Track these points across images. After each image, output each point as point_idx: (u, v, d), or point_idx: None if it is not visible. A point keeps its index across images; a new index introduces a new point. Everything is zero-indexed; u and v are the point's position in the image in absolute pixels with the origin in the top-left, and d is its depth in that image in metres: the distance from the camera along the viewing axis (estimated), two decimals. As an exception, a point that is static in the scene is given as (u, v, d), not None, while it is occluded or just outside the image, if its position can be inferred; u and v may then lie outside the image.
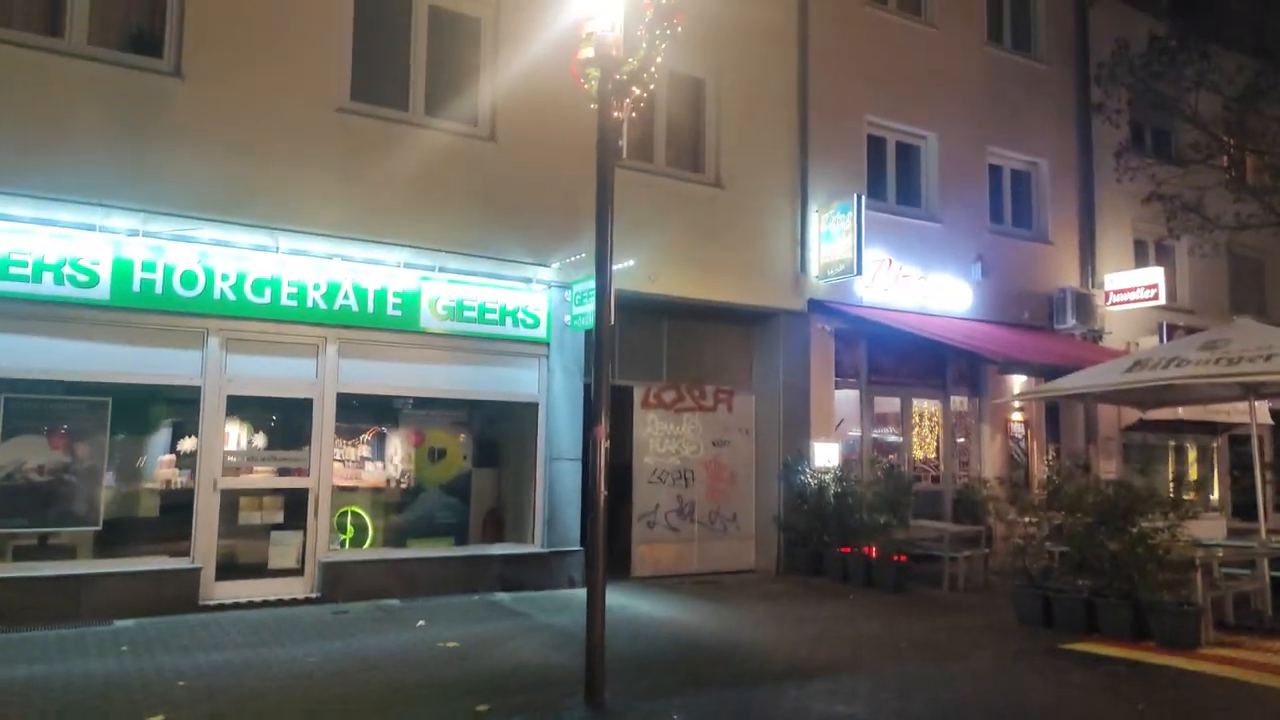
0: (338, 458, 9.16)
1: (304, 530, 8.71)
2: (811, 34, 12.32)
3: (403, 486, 9.88)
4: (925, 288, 12.97)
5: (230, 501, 8.47)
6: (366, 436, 9.71)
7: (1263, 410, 16.44)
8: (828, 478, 11.19)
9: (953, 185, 13.69)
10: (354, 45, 9.33)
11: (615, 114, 5.80)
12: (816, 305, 12.01)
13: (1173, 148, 15.83)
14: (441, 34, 9.85)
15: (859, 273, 11.59)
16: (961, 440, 13.71)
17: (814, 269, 12.03)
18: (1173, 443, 17.23)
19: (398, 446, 9.87)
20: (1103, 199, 15.25)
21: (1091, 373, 9.47)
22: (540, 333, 9.97)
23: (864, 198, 11.71)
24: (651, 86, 5.96)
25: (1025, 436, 14.10)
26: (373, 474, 9.70)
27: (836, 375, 12.38)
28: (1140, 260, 15.68)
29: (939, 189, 13.57)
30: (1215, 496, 16.56)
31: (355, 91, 9.29)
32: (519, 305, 9.87)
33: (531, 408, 10.00)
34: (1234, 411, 15.82)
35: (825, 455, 11.64)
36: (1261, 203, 11.96)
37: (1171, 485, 10.24)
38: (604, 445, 5.53)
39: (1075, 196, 15.11)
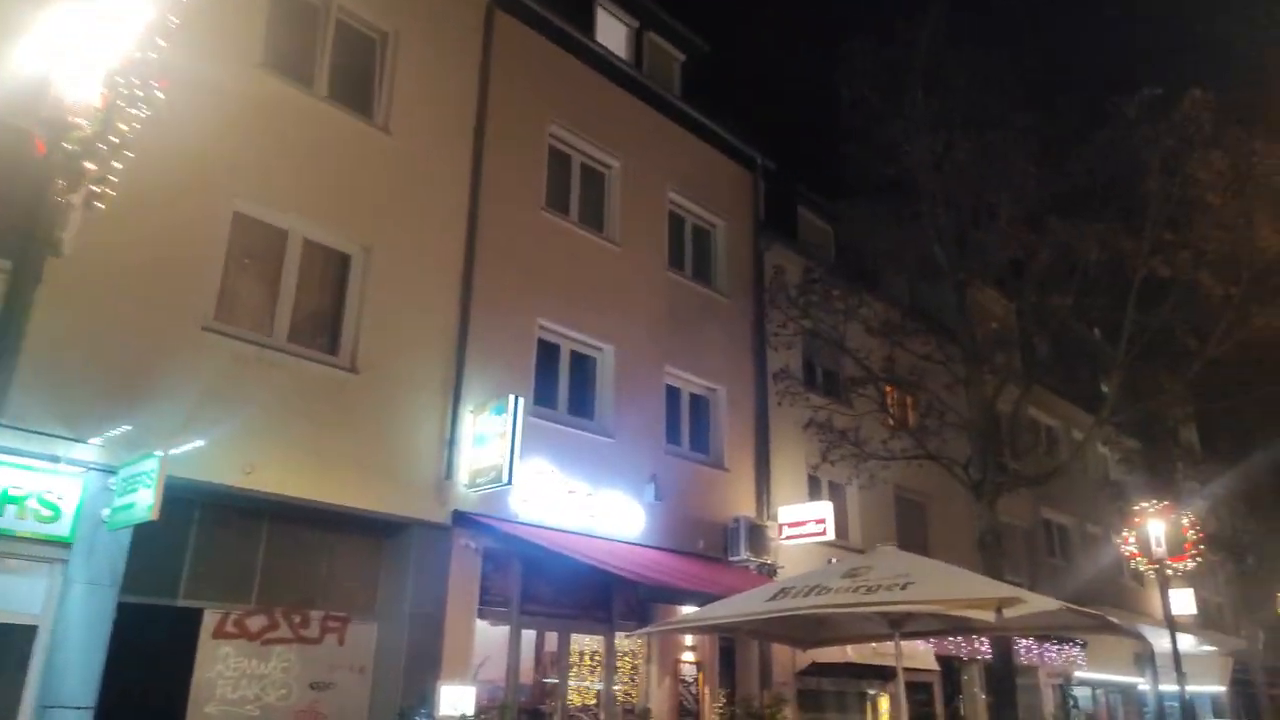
0: None
1: None
2: (482, 226, 11.59)
3: None
4: (594, 506, 11.81)
5: None
6: None
7: (928, 654, 16.51)
8: (451, 731, 9.09)
9: (629, 401, 13.06)
10: None
11: (64, 197, 4.17)
12: (463, 518, 10.40)
13: (840, 381, 16.51)
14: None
15: (509, 481, 10.22)
16: (627, 684, 12.14)
17: (463, 476, 10.54)
18: (868, 690, 16.72)
19: None
20: (779, 431, 15.30)
21: (733, 601, 8.43)
22: (61, 529, 7.48)
23: (522, 400, 10.58)
24: (118, 164, 4.43)
25: (696, 680, 12.79)
26: None
27: (483, 603, 10.63)
28: (814, 495, 15.68)
29: (614, 403, 12.86)
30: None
31: None
32: (35, 491, 7.40)
33: (26, 632, 7.28)
34: (901, 654, 15.61)
35: (456, 701, 9.57)
36: (914, 438, 12.26)
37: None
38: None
39: (752, 426, 15.05)
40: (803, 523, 14.16)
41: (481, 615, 10.58)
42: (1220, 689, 30.27)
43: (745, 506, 14.28)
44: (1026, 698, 20.67)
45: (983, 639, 18.29)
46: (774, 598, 7.85)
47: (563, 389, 12.51)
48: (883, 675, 16.74)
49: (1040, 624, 8.83)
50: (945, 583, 7.19)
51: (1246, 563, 20.55)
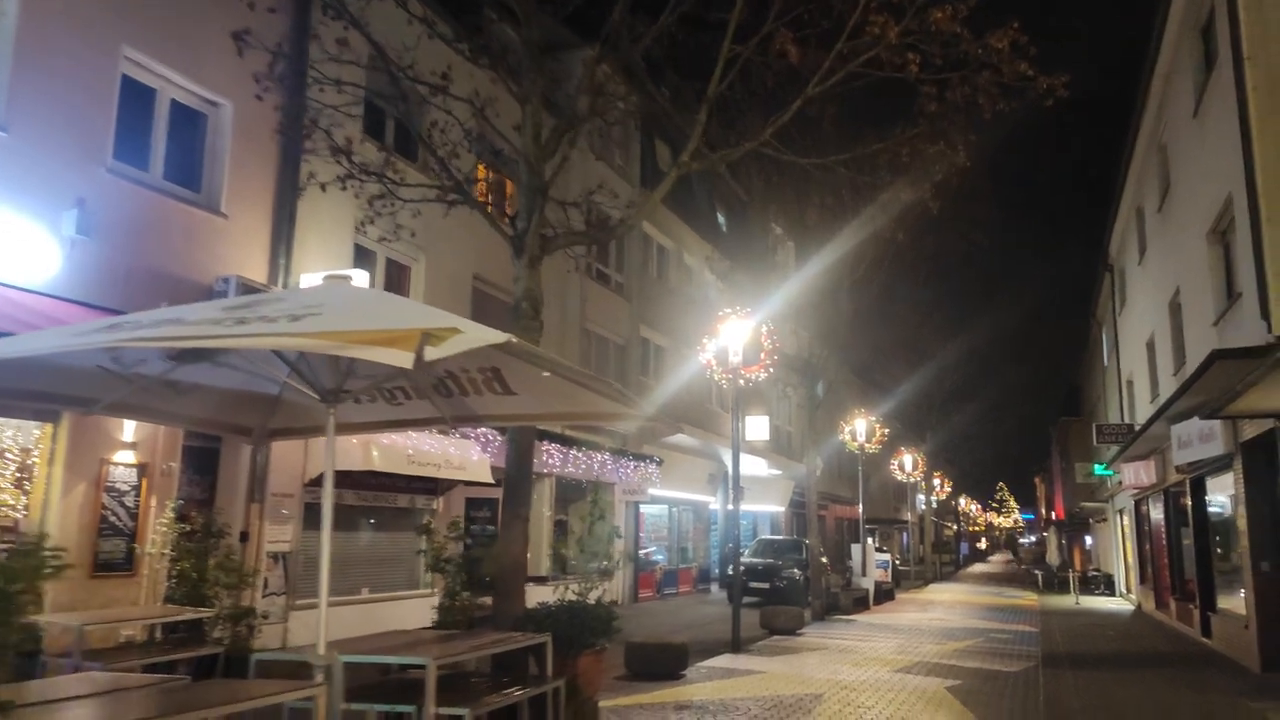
0: None
1: None
2: None
3: None
4: (-49, 228, 7.51)
5: None
6: None
7: (483, 465, 14.43)
8: None
9: (44, 83, 8.59)
10: None
11: None
12: None
13: (413, 142, 12.97)
14: None
15: None
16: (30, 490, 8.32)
17: None
18: (411, 505, 14.29)
19: None
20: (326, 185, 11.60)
21: (37, 336, 5.01)
22: None
23: None
24: None
25: (139, 489, 9.26)
26: None
27: None
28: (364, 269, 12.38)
29: (11, 79, 8.33)
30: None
31: None
32: None
33: None
34: (447, 464, 13.34)
35: None
36: (446, 175, 8.96)
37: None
38: None
39: (275, 165, 11.20)
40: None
41: None
42: (780, 509, 33.19)
43: (250, 268, 10.63)
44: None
45: (552, 451, 16.78)
46: (103, 330, 4.52)
47: (-98, 33, 7.74)
48: (432, 489, 14.48)
49: (554, 411, 6.47)
50: (361, 313, 4.34)
51: (817, 391, 21.17)
